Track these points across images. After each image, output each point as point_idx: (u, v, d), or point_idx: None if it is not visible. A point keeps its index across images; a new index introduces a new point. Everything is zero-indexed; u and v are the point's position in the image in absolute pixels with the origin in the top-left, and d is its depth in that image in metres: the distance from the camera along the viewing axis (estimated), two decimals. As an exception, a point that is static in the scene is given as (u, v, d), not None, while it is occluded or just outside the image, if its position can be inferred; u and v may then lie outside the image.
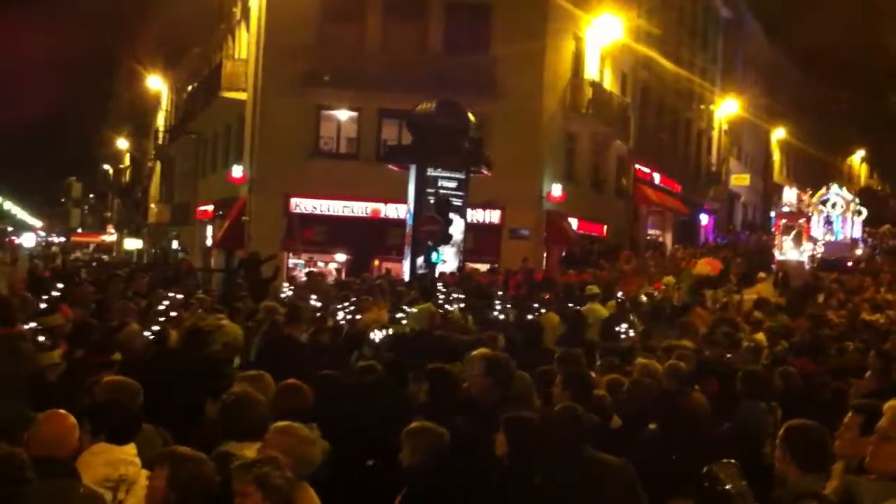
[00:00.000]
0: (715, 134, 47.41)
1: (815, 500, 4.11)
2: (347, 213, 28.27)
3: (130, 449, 4.89)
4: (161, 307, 10.86)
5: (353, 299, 12.68)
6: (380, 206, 27.69)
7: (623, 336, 11.40)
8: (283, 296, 14.20)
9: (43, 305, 10.03)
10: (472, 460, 5.36)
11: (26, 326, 7.60)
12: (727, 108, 46.22)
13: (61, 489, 4.20)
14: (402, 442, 5.29)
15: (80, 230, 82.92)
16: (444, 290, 14.97)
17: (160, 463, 4.28)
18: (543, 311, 13.06)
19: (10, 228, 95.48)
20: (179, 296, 12.47)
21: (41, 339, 7.31)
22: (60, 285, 12.80)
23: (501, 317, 12.01)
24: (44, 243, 76.33)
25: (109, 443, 4.85)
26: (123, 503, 4.71)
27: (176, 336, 8.73)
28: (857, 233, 30.52)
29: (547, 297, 15.47)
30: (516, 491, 5.00)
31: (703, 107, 44.87)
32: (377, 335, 9.91)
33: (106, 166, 74.90)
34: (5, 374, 6.06)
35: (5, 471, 3.49)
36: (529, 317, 12.10)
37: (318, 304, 12.79)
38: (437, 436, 5.32)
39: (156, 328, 9.02)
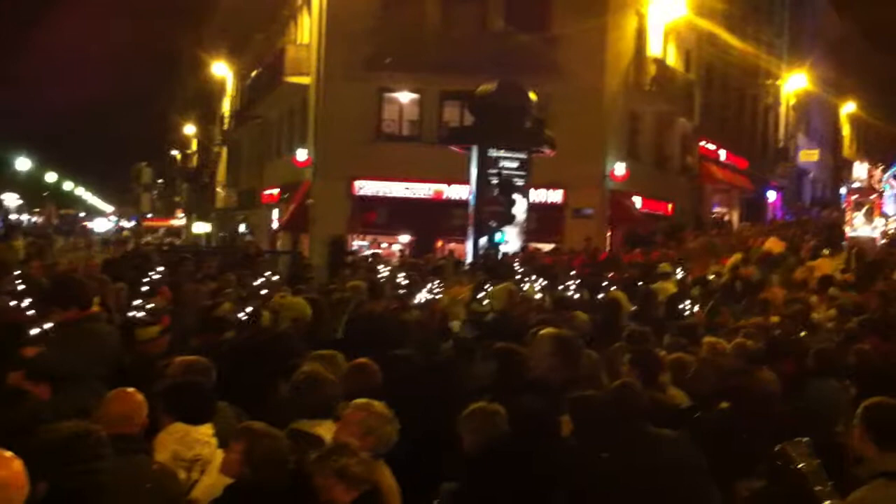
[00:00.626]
0: (782, 109, 46.42)
1: (893, 478, 4.06)
2: (410, 194, 28.41)
3: (206, 429, 4.94)
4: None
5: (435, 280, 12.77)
6: (442, 187, 27.77)
7: (686, 313, 11.27)
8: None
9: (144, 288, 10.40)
10: (535, 442, 5.38)
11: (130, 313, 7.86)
12: (794, 83, 45.17)
13: (134, 465, 4.28)
14: (459, 426, 5.21)
15: (150, 215, 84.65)
16: (519, 269, 15.00)
17: (237, 438, 4.38)
18: (613, 289, 13.01)
19: (82, 214, 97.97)
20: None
21: (140, 315, 7.51)
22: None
23: (576, 296, 11.98)
24: (115, 228, 78.14)
25: (185, 423, 4.90)
26: (198, 482, 4.77)
27: (268, 316, 8.84)
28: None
29: (616, 275, 15.44)
30: (582, 470, 4.98)
31: (769, 82, 43.92)
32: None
33: (174, 152, 76.20)
34: (83, 357, 6.20)
35: (83, 447, 3.60)
36: (600, 296, 12.03)
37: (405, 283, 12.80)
38: (494, 419, 5.21)
39: (249, 308, 9.18)
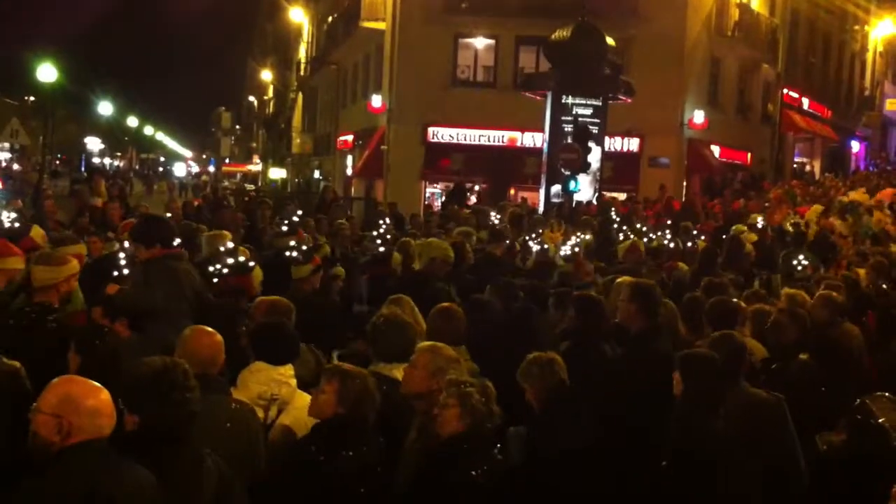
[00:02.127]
0: (869, 56, 44.72)
1: None
2: (484, 141, 28.27)
3: (287, 370, 5.00)
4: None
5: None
6: (517, 134, 27.56)
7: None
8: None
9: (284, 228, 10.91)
10: (608, 388, 5.35)
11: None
12: (883, 29, 43.40)
13: (214, 403, 4.33)
14: (519, 376, 5.16)
15: (227, 160, 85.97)
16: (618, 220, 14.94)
17: (329, 378, 4.45)
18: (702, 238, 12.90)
19: (161, 159, 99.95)
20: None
21: (294, 254, 7.83)
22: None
23: (671, 245, 11.88)
24: (194, 173, 79.55)
25: (266, 363, 4.97)
26: (276, 422, 4.87)
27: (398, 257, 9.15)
28: None
29: (707, 225, 15.29)
30: (693, 432, 4.86)
31: (857, 28, 42.29)
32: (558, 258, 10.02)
33: (251, 98, 76.95)
34: (167, 294, 6.34)
35: (171, 381, 3.69)
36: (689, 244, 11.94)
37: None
38: (552, 367, 5.15)
39: (381, 249, 9.49)
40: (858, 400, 5.10)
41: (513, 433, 5.02)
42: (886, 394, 5.09)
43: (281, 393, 4.95)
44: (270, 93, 64.19)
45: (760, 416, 5.20)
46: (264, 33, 61.57)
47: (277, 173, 54.36)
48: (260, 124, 69.41)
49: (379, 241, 10.05)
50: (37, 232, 8.27)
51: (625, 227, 13.89)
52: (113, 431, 3.41)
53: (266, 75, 61.89)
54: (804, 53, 36.92)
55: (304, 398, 4.83)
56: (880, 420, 4.85)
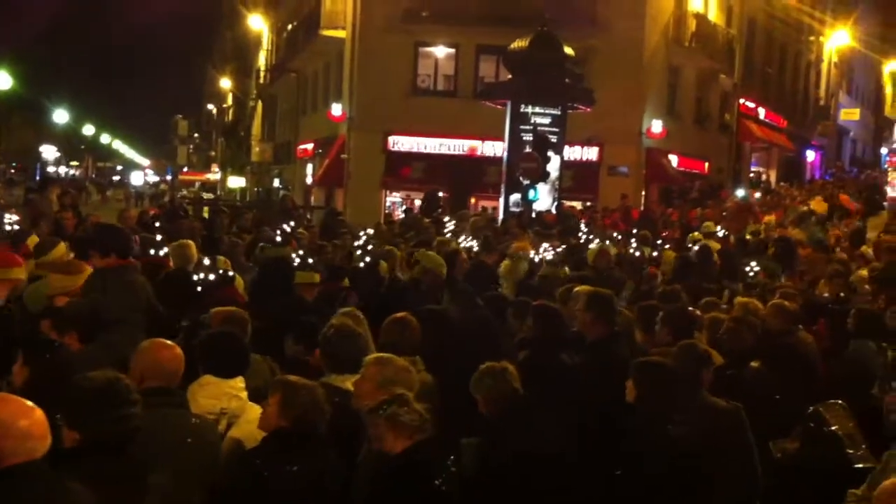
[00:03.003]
0: (824, 67, 45.44)
1: None
2: (445, 150, 28.28)
3: (237, 382, 4.88)
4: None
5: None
6: (477, 143, 27.62)
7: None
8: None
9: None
10: (564, 398, 5.33)
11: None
12: (838, 40, 44.14)
13: (175, 418, 4.26)
14: (472, 386, 5.14)
15: (186, 168, 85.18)
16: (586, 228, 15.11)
17: (273, 391, 4.37)
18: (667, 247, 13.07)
19: (118, 167, 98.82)
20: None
21: (297, 260, 8.14)
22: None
23: (637, 254, 12.06)
24: (151, 182, 78.75)
25: (216, 376, 4.85)
26: (224, 436, 4.73)
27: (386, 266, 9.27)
28: (977, 169, 28.93)
29: (670, 234, 15.49)
30: (647, 438, 4.89)
31: (812, 39, 42.97)
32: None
33: (210, 106, 76.39)
34: (121, 305, 6.23)
35: (112, 396, 3.60)
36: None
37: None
38: (504, 376, 5.14)
39: (368, 259, 9.67)
40: (812, 408, 5.14)
41: (466, 444, 4.98)
42: (839, 401, 5.14)
43: (231, 406, 4.83)
44: (230, 100, 63.78)
45: (719, 424, 5.21)
46: (224, 41, 61.18)
47: (237, 182, 53.98)
48: (219, 132, 68.87)
49: (360, 252, 10.23)
50: (32, 239, 8.21)
51: (591, 235, 14.01)
52: (51, 448, 3.30)
53: (225, 83, 61.48)
54: (760, 64, 37.41)
55: (256, 411, 4.70)
56: (833, 428, 4.89)
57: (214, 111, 74.32)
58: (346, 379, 5.10)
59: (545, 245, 11.82)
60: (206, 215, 18.38)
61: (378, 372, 4.73)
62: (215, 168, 70.33)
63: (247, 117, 53.58)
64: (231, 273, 7.49)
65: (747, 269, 10.95)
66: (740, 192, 27.91)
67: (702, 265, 11.12)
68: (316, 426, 4.30)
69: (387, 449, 4.31)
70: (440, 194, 21.61)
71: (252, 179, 50.68)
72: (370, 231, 13.09)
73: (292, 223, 13.34)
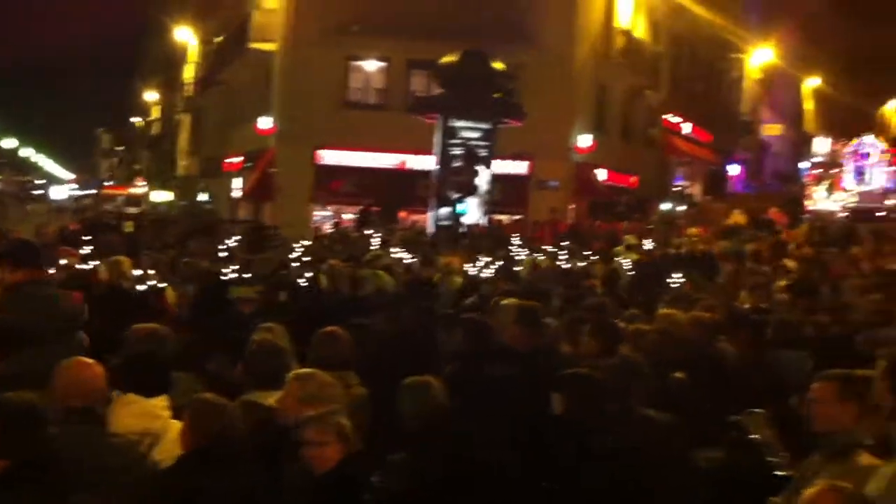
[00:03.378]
0: (747, 83, 46.65)
1: (865, 449, 4.08)
2: (375, 164, 28.21)
3: (160, 402, 4.79)
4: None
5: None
6: (407, 157, 27.60)
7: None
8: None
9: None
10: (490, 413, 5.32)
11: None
12: (760, 57, 45.37)
13: (89, 436, 4.16)
14: (396, 400, 5.09)
15: (110, 182, 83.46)
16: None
17: (185, 410, 4.31)
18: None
19: (40, 181, 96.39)
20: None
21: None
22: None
23: (567, 266, 12.18)
24: (75, 196, 76.95)
25: (137, 394, 4.75)
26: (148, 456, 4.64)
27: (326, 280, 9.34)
28: (890, 183, 29.96)
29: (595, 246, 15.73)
30: (573, 451, 4.88)
31: (736, 56, 44.08)
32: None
33: (136, 119, 75.14)
34: (34, 321, 6.03)
35: (21, 417, 3.49)
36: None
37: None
38: (429, 391, 5.09)
39: (309, 274, 9.72)
40: (734, 417, 5.20)
41: (392, 459, 4.93)
42: (760, 410, 5.21)
43: (153, 426, 4.72)
44: (156, 113, 62.80)
45: (655, 435, 5.24)
46: (150, 53, 60.26)
47: (162, 196, 53.12)
48: (144, 146, 67.76)
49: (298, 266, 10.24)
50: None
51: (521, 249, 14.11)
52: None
53: (152, 96, 60.55)
54: (685, 80, 38.20)
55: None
56: (754, 436, 4.96)
57: (140, 124, 73.13)
58: (269, 395, 5.01)
59: (478, 260, 11.87)
60: (129, 229, 18.02)
61: (300, 387, 4.67)
62: (140, 182, 69.14)
63: (173, 130, 52.80)
64: (162, 285, 7.41)
65: (671, 281, 11.11)
66: (665, 206, 28.45)
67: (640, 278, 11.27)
68: (228, 445, 4.21)
69: (319, 460, 4.24)
70: (374, 209, 21.68)
71: (178, 193, 49.93)
72: (306, 243, 13.04)
73: (236, 237, 13.36)
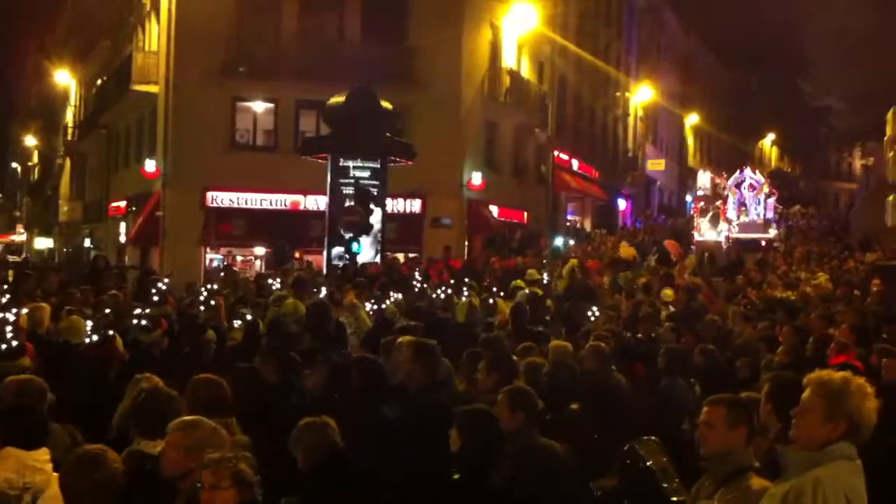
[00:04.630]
0: (631, 120, 48.14)
1: (753, 471, 4.16)
2: (267, 205, 27.85)
3: (40, 454, 4.65)
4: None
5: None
6: (299, 198, 27.37)
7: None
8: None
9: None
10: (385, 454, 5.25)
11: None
12: (642, 95, 46.94)
13: None
14: (290, 442, 5.07)
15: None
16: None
17: (62, 464, 4.12)
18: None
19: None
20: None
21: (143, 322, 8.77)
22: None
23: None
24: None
25: (17, 448, 4.60)
26: None
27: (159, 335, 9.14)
28: (770, 213, 31.27)
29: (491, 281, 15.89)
30: (472, 487, 4.86)
31: (619, 94, 45.48)
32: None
33: (14, 164, 72.64)
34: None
35: None
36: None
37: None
38: (325, 432, 5.08)
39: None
40: (627, 444, 5.26)
41: (287, 502, 4.82)
42: (653, 437, 5.29)
43: (35, 480, 4.54)
44: (35, 158, 60.77)
45: (548, 464, 5.26)
46: (28, 97, 58.40)
47: (44, 243, 51.29)
48: (24, 192, 65.42)
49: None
50: None
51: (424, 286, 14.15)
52: None
53: (31, 140, 58.60)
54: (572, 118, 39.15)
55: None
56: (648, 463, 5.01)
57: (19, 169, 70.63)
58: (158, 444, 4.82)
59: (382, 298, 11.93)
60: (9, 278, 17.28)
61: (185, 436, 4.48)
62: (21, 229, 66.69)
63: (54, 175, 51.16)
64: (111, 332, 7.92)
65: (588, 313, 11.32)
66: (558, 240, 28.93)
67: (534, 311, 11.39)
68: (104, 499, 4.02)
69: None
70: (287, 247, 21.50)
71: (61, 240, 48.29)
72: (214, 287, 12.90)
73: (166, 280, 13.31)
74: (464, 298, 12.74)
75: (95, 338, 8.17)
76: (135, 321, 8.81)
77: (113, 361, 7.62)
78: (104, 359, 7.57)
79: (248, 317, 10.52)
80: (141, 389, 5.35)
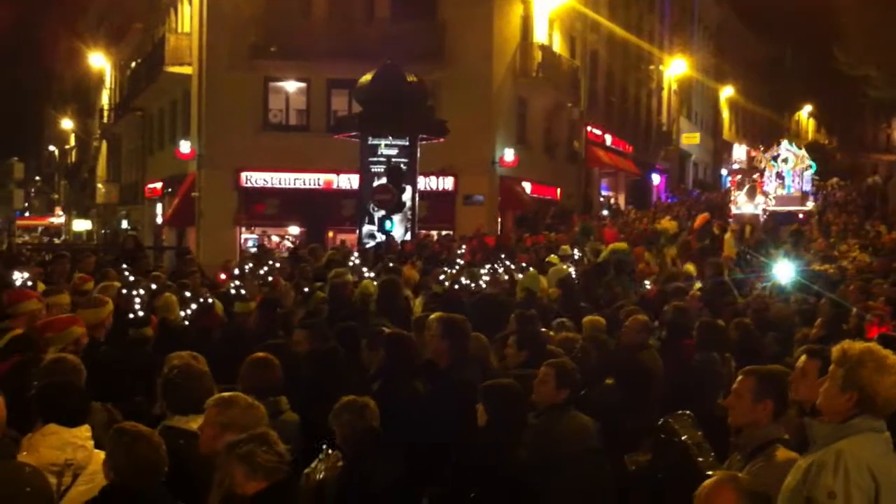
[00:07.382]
0: (665, 94, 47.62)
1: (782, 444, 4.15)
2: (300, 185, 27.97)
3: (82, 431, 4.65)
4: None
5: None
6: (332, 177, 27.44)
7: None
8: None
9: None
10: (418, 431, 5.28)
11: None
12: (676, 69, 46.39)
13: (5, 469, 4.04)
14: (330, 420, 5.14)
15: (26, 213, 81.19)
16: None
17: (106, 441, 4.16)
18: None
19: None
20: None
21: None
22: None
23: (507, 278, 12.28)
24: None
25: (58, 425, 4.61)
26: (69, 489, 4.50)
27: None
28: (808, 186, 30.92)
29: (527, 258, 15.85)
30: (500, 461, 4.87)
31: (652, 68, 44.98)
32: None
33: (51, 147, 73.45)
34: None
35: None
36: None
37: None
38: (363, 412, 5.14)
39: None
40: (661, 419, 5.24)
41: (327, 480, 4.87)
42: (687, 412, 5.26)
43: (77, 457, 4.57)
44: (72, 141, 61.42)
45: (580, 439, 5.27)
46: (63, 80, 58.94)
47: (82, 225, 51.91)
48: (62, 174, 66.19)
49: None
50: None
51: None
52: None
53: (67, 124, 59.21)
54: (604, 93, 38.81)
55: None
56: (682, 437, 4.99)
57: (56, 153, 71.45)
58: (192, 420, 4.87)
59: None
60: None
61: (219, 413, 4.51)
62: (59, 211, 67.54)
63: (90, 158, 51.71)
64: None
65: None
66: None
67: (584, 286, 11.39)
68: (149, 476, 4.07)
69: (237, 491, 4.10)
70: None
71: (98, 222, 48.85)
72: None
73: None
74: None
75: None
76: (233, 290, 9.18)
77: (214, 329, 8.23)
78: (206, 328, 8.12)
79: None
80: (171, 366, 5.37)
